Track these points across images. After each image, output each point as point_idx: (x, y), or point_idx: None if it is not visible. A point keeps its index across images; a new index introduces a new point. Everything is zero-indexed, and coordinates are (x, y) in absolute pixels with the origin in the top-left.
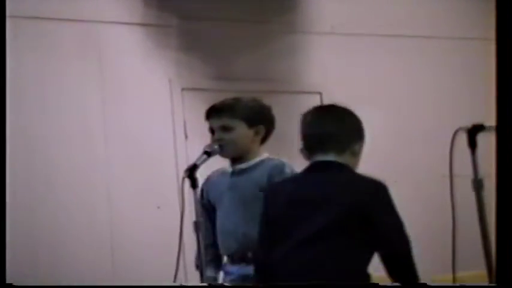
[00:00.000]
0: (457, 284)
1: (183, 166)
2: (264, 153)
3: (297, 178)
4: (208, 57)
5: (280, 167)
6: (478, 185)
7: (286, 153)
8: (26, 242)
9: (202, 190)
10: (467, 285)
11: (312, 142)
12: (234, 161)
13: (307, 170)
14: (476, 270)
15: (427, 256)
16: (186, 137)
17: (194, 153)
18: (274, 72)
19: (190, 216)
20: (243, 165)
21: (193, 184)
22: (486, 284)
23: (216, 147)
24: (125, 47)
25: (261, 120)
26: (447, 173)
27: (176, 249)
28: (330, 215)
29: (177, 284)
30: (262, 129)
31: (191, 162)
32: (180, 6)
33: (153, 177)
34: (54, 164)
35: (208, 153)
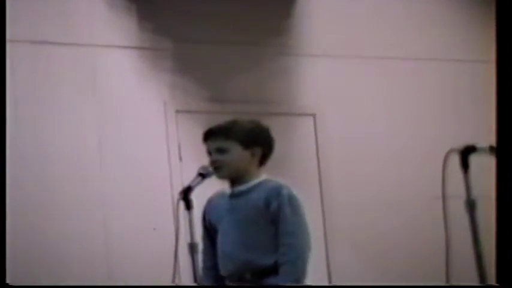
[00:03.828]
0: (457, 284)
1: (178, 188)
2: (262, 175)
3: None
4: (202, 80)
5: (277, 189)
6: (470, 205)
7: (279, 173)
8: (19, 266)
9: (204, 212)
10: (467, 285)
11: None
12: (233, 183)
13: None
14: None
15: (421, 276)
16: (181, 159)
17: (189, 175)
18: (268, 94)
19: (186, 237)
20: (241, 188)
21: (188, 206)
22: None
23: (210, 169)
24: (119, 70)
25: (257, 141)
26: (440, 194)
27: (172, 271)
28: None
29: None
30: (258, 150)
31: (186, 184)
32: (174, 30)
33: (148, 199)
34: (48, 186)
35: (202, 175)
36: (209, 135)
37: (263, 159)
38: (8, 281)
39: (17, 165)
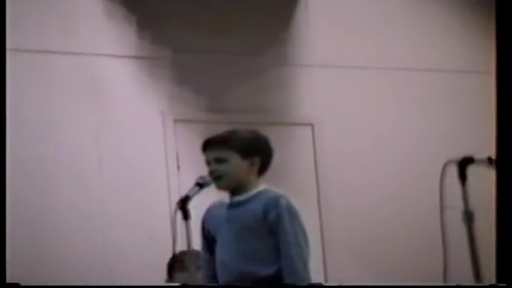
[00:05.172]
0: (456, 284)
1: (176, 198)
2: (261, 185)
3: None
4: (200, 89)
5: (275, 199)
6: (468, 217)
7: (276, 183)
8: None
9: (203, 222)
10: (467, 285)
11: None
12: (232, 193)
13: None
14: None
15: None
16: (179, 168)
17: (187, 184)
18: (266, 104)
19: (183, 247)
20: (239, 198)
21: (186, 216)
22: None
23: (208, 179)
24: (118, 79)
25: (256, 151)
26: (438, 205)
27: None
28: None
29: None
30: (257, 160)
31: (183, 193)
32: (173, 39)
33: (145, 209)
34: (47, 195)
35: (200, 185)
36: (208, 145)
37: (262, 169)
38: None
39: (16, 173)
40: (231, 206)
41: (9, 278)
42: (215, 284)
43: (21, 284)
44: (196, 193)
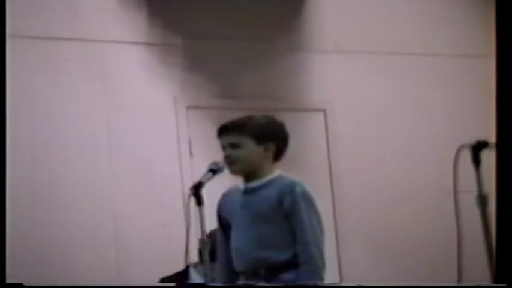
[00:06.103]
0: (459, 284)
1: (189, 184)
2: (276, 171)
3: None
4: (213, 76)
5: (291, 186)
6: (482, 201)
7: (289, 168)
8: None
9: (218, 207)
10: (468, 285)
11: None
12: (247, 178)
13: None
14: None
15: (432, 272)
16: (191, 154)
17: (199, 170)
18: (278, 90)
19: (197, 233)
20: (254, 184)
21: (199, 202)
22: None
23: (221, 164)
24: (130, 66)
25: (271, 137)
26: (451, 189)
27: (183, 267)
28: None
29: None
30: (272, 146)
31: (196, 179)
32: (185, 25)
33: (158, 195)
34: (59, 183)
35: (213, 171)
36: (223, 131)
37: (277, 155)
38: (18, 280)
39: (26, 161)
40: (246, 192)
41: (13, 278)
42: (233, 284)
43: (24, 284)
44: (209, 179)
